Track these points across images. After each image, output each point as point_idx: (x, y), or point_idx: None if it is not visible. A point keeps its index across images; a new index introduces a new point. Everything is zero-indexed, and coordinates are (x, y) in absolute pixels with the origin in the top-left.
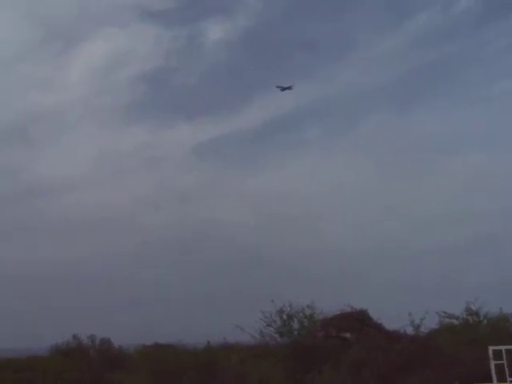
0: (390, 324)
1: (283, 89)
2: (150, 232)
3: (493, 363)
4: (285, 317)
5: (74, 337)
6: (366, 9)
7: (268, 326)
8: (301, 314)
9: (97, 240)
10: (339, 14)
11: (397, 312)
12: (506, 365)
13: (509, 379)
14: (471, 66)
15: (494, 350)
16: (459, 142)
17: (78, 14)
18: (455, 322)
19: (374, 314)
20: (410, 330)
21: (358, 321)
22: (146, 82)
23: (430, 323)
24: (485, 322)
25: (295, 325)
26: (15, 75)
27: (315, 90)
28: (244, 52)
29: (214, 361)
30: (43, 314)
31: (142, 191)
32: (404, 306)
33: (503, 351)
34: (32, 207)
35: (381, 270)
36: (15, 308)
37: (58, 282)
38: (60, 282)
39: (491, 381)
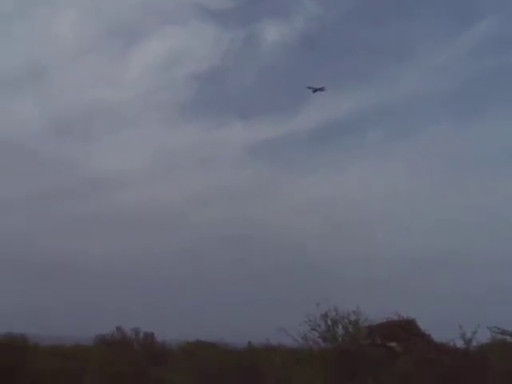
0: (438, 336)
1: (315, 90)
2: (199, 230)
3: None
4: (329, 322)
5: (118, 329)
6: (428, 15)
7: (312, 329)
8: (346, 320)
9: (147, 236)
10: (400, 20)
11: (446, 324)
12: None
13: None
14: None
15: None
16: None
17: (140, 11)
18: (508, 338)
19: (422, 325)
20: (459, 344)
21: (405, 330)
22: (202, 80)
23: (481, 338)
24: None
25: (340, 330)
26: (77, 70)
27: (373, 94)
28: (301, 54)
29: (257, 363)
30: (90, 306)
31: (195, 189)
32: (454, 318)
33: None
34: (88, 201)
35: (431, 280)
36: (66, 298)
37: (106, 277)
38: (108, 276)
39: None
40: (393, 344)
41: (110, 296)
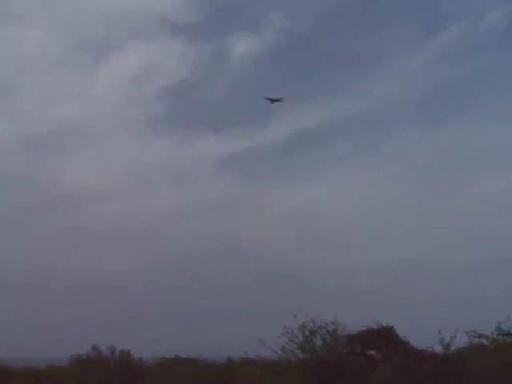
0: (417, 342)
1: (273, 101)
2: (174, 245)
3: None
4: (307, 332)
5: (94, 347)
6: (395, 23)
7: (290, 341)
8: (323, 330)
9: (122, 251)
10: (367, 29)
11: (424, 330)
12: None
13: None
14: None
15: None
16: (489, 159)
17: (108, 26)
18: (485, 342)
19: (401, 332)
20: (438, 349)
21: (384, 338)
22: (172, 94)
23: (459, 342)
24: None
25: (317, 341)
26: (46, 87)
27: (342, 105)
28: (270, 67)
29: (235, 377)
30: (64, 324)
31: (168, 203)
32: (431, 324)
33: None
34: (59, 218)
35: (408, 287)
36: (35, 317)
37: (79, 293)
38: (82, 292)
39: None
40: (372, 352)
41: (84, 313)
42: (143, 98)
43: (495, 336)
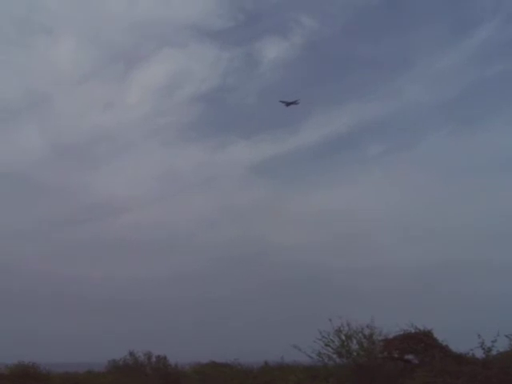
0: (456, 346)
1: (288, 104)
2: (207, 251)
3: None
4: (343, 337)
5: (130, 353)
6: (426, 26)
7: (326, 345)
8: (360, 334)
9: (156, 260)
10: (396, 31)
11: (463, 333)
12: None
13: None
14: None
15: None
16: None
17: (139, 35)
18: None
19: (440, 335)
20: (479, 354)
21: (422, 342)
22: (203, 101)
23: (499, 347)
24: None
25: (354, 345)
26: (79, 97)
27: (373, 108)
28: (300, 71)
29: (272, 382)
30: (103, 331)
31: (201, 210)
32: (471, 327)
33: None
34: (93, 227)
35: (445, 289)
36: (75, 325)
37: (115, 302)
38: (118, 302)
39: None
40: (410, 357)
41: (120, 321)
42: (175, 106)
43: None
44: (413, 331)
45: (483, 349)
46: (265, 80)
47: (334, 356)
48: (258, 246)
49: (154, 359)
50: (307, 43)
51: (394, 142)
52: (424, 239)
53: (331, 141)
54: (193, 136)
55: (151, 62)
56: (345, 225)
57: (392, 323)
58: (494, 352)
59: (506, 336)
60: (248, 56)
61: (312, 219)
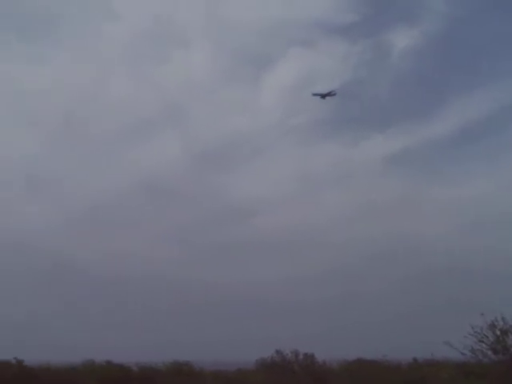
0: None
1: (323, 96)
2: (347, 248)
3: None
4: (498, 332)
5: (278, 352)
6: None
7: (479, 341)
8: None
9: (293, 259)
10: None
11: None
12: None
13: None
14: None
15: None
16: None
17: (267, 37)
18: None
19: None
20: None
21: None
22: (336, 97)
23: None
24: None
25: (510, 341)
26: (213, 104)
27: None
28: (433, 57)
29: (422, 378)
30: (248, 331)
31: (338, 206)
32: None
33: None
34: (235, 229)
35: None
36: (222, 325)
37: (256, 303)
38: (259, 303)
39: None
40: None
41: (265, 320)
42: (307, 105)
43: None
44: None
45: None
46: (396, 70)
47: (489, 352)
48: (398, 240)
49: (301, 357)
50: (437, 28)
51: None
52: None
53: (470, 127)
54: (327, 133)
55: (281, 63)
56: (492, 211)
57: None
58: None
59: None
60: (378, 47)
61: (452, 209)
